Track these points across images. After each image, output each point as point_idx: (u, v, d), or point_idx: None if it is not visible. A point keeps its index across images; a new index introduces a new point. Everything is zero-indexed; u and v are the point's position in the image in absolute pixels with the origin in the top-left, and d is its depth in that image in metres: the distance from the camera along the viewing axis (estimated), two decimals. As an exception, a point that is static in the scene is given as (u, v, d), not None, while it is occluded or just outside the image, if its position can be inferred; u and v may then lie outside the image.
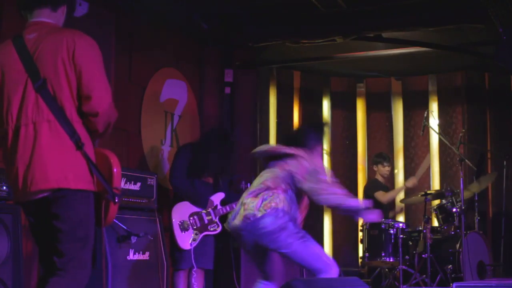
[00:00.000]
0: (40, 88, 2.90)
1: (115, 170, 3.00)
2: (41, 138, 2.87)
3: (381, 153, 8.07)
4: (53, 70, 2.91)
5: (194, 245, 5.47)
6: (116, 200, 2.96)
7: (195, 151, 5.67)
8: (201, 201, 5.59)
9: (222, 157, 5.70)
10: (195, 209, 5.58)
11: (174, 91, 6.80)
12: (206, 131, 5.93)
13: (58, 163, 2.87)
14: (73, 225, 2.90)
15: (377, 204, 7.55)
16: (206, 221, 5.58)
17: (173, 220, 5.46)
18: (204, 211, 5.59)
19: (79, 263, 2.92)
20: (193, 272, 5.49)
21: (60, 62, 2.91)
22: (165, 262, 5.19)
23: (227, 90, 7.46)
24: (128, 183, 5.13)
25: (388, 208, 7.71)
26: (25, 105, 2.92)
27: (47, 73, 2.92)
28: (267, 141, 8.10)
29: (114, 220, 4.74)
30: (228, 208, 5.65)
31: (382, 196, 7.51)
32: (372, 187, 7.75)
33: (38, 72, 2.91)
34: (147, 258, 5.05)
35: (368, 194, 7.70)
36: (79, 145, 2.90)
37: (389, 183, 8.08)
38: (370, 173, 8.53)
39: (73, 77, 2.92)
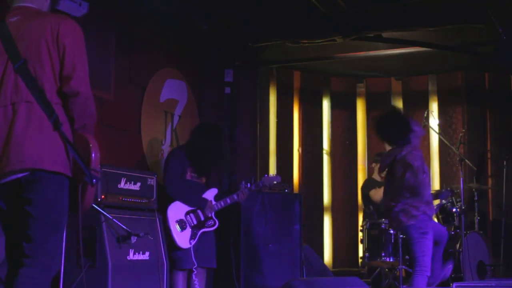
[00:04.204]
0: (20, 69, 2.86)
1: (93, 155, 2.92)
2: (18, 118, 2.82)
3: (381, 152, 8.08)
4: (36, 51, 2.89)
5: (193, 243, 5.48)
6: (94, 182, 2.86)
7: (188, 151, 5.67)
8: (196, 202, 5.59)
9: (217, 154, 5.67)
10: (191, 207, 5.58)
11: (174, 91, 6.80)
12: (195, 128, 5.87)
13: (34, 144, 2.80)
14: (43, 209, 2.82)
15: (375, 205, 7.55)
16: (202, 218, 5.58)
17: (170, 219, 5.46)
18: (199, 209, 5.59)
19: (48, 250, 2.84)
20: (194, 270, 5.49)
21: (43, 42, 2.89)
22: (165, 262, 5.19)
23: (227, 90, 7.46)
24: (128, 183, 5.13)
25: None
26: (4, 87, 2.88)
27: (29, 54, 2.89)
28: (267, 141, 8.11)
29: (114, 220, 4.76)
30: (222, 203, 5.65)
31: (374, 194, 7.49)
32: (367, 186, 7.74)
33: (19, 53, 2.88)
34: (147, 258, 5.05)
35: (364, 193, 7.69)
36: (57, 125, 2.83)
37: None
38: (370, 173, 8.54)
39: (57, 58, 2.90)
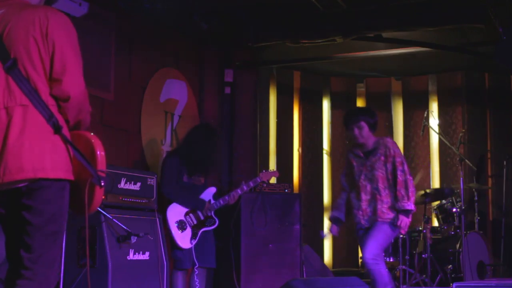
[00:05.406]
0: (10, 69, 2.63)
1: (98, 153, 2.74)
2: (14, 124, 2.62)
3: None
4: (25, 50, 2.66)
5: (194, 243, 5.48)
6: (102, 184, 2.70)
7: (182, 152, 5.67)
8: (193, 204, 5.58)
9: (208, 150, 5.66)
10: (189, 208, 5.58)
11: (174, 91, 6.80)
12: (188, 131, 5.92)
13: (34, 150, 2.62)
14: (46, 219, 2.67)
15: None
16: (202, 218, 5.59)
17: (169, 221, 5.46)
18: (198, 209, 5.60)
19: (48, 261, 2.70)
20: (195, 270, 5.50)
21: (32, 40, 2.66)
22: (165, 262, 5.19)
23: (227, 90, 7.46)
24: (128, 183, 5.13)
25: None
26: None
27: (19, 52, 2.66)
28: (267, 141, 8.10)
29: (114, 220, 4.76)
30: (221, 202, 5.65)
31: None
32: None
33: (7, 52, 2.65)
34: (147, 258, 5.05)
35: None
36: (57, 128, 2.65)
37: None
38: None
39: (47, 57, 2.68)
